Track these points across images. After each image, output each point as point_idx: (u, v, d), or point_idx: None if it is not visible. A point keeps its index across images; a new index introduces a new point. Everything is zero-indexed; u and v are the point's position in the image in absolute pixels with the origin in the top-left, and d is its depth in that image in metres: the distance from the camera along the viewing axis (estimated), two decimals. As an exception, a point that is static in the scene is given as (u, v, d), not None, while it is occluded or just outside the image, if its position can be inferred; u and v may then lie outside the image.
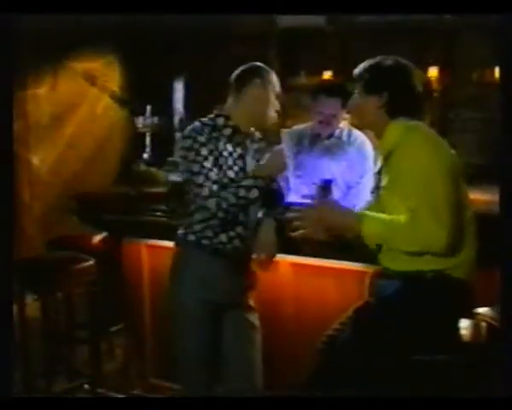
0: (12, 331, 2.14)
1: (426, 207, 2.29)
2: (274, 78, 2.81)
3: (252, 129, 2.88)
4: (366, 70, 2.55)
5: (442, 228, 2.28)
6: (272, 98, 2.80)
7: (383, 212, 2.44)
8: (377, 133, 2.58)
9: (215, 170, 2.70)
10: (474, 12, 2.59)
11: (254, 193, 2.72)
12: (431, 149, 2.38)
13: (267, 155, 2.83)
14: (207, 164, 2.69)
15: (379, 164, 2.57)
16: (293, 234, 2.62)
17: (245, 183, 2.72)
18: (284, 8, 3.73)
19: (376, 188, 2.58)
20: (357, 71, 2.57)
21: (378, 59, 2.55)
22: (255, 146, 2.90)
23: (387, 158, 2.48)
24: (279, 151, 2.75)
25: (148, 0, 3.58)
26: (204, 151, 2.70)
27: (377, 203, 2.54)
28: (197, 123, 2.77)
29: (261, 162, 2.84)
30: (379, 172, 2.56)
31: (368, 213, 2.45)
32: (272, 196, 2.89)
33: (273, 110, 2.81)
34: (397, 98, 2.48)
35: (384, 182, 2.50)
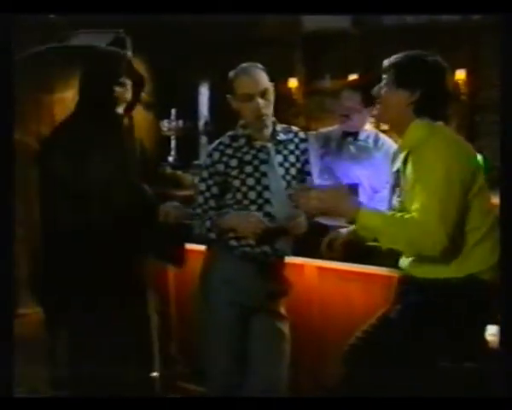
0: (12, 331, 2.12)
1: (433, 209, 2.25)
2: None
3: None
4: (401, 62, 2.45)
5: (445, 232, 2.25)
6: None
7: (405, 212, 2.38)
8: (398, 129, 2.51)
9: None
10: (474, 12, 2.55)
11: None
12: (451, 152, 2.33)
13: None
14: None
15: (399, 163, 2.49)
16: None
17: None
18: (309, 9, 3.73)
19: (394, 186, 2.52)
20: (390, 60, 2.48)
21: (415, 53, 2.47)
22: None
23: (407, 157, 2.42)
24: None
25: (175, 1, 3.60)
26: None
27: (400, 204, 2.48)
28: None
29: None
30: (397, 171, 2.49)
31: (368, 207, 2.38)
32: None
33: None
34: (428, 98, 2.41)
35: (403, 182, 2.45)
